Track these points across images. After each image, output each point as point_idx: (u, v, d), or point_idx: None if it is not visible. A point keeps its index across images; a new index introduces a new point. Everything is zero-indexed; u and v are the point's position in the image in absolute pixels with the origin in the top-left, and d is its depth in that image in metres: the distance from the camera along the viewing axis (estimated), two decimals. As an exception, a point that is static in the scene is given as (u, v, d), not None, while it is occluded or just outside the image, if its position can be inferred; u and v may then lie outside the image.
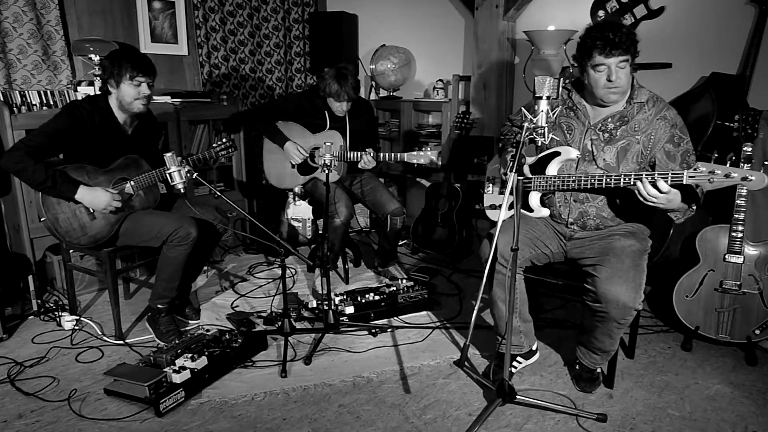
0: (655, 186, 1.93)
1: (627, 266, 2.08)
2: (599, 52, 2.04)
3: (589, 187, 2.13)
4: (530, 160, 2.29)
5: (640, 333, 2.75)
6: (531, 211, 2.32)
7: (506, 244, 2.20)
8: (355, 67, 4.69)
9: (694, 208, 2.09)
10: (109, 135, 2.62)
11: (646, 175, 1.95)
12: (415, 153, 3.25)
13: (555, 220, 2.37)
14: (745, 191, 2.52)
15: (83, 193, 2.52)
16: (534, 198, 2.30)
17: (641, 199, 1.99)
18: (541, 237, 2.34)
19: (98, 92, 3.21)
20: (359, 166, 3.33)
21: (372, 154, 3.29)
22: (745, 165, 1.78)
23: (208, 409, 2.21)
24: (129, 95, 2.58)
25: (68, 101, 3.37)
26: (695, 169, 1.84)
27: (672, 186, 1.93)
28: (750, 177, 1.75)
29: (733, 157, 1.79)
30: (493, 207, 2.53)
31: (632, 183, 2.01)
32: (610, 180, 2.06)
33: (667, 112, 2.16)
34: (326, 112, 3.44)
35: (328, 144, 2.71)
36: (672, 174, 1.91)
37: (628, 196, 2.14)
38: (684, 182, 1.88)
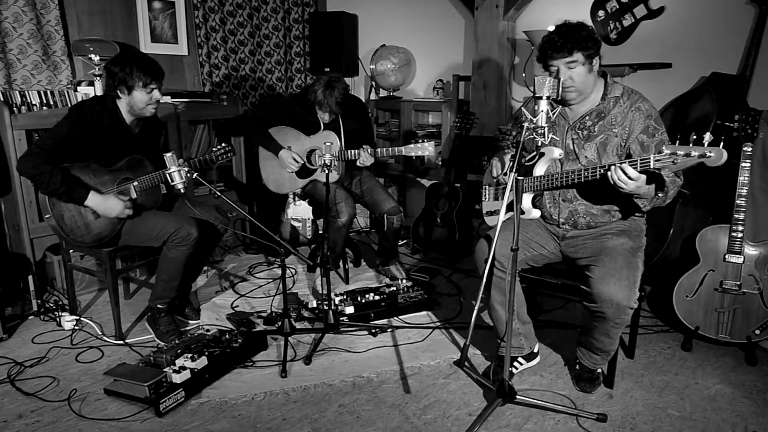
0: (625, 173, 1.94)
1: (620, 265, 2.08)
2: (547, 55, 2.15)
3: (571, 183, 2.15)
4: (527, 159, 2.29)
5: (640, 333, 2.75)
6: (522, 213, 2.31)
7: (501, 246, 2.21)
8: (355, 66, 4.70)
9: (660, 195, 2.09)
10: (116, 135, 2.63)
11: (619, 163, 1.96)
12: (412, 146, 3.26)
13: (547, 222, 2.38)
14: (745, 191, 2.52)
15: (95, 201, 2.52)
16: (525, 199, 2.31)
17: (616, 187, 1.99)
18: (535, 238, 2.35)
19: (102, 93, 3.21)
20: (358, 164, 3.33)
21: (369, 151, 3.30)
22: (706, 143, 1.78)
23: (208, 409, 2.22)
24: (142, 101, 2.59)
25: (69, 101, 3.38)
26: (660, 152, 1.85)
27: (642, 171, 1.93)
28: (708, 153, 1.76)
29: (694, 136, 1.78)
30: (490, 213, 2.53)
31: (606, 172, 2.02)
32: (587, 173, 2.08)
33: (642, 104, 2.18)
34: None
35: (328, 144, 2.71)
36: (640, 160, 1.92)
37: (610, 189, 2.13)
38: (651, 166, 1.89)
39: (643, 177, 1.95)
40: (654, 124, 2.16)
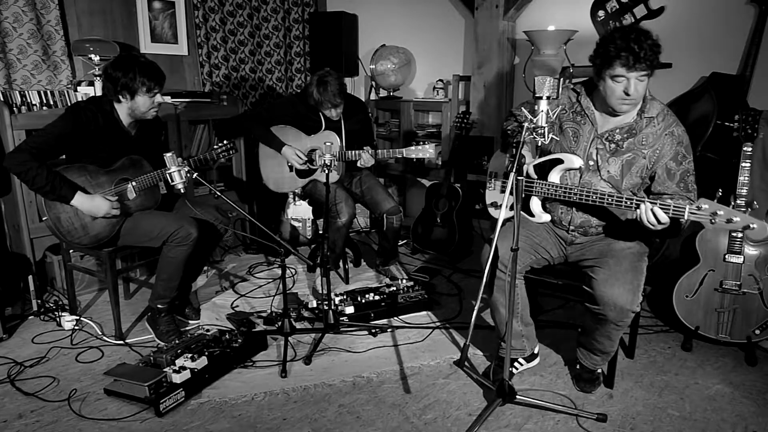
0: (655, 216, 1.90)
1: (625, 268, 2.07)
2: (622, 64, 1.94)
3: (590, 203, 2.09)
4: (531, 161, 2.27)
5: (640, 333, 2.75)
6: (532, 215, 2.27)
7: (506, 249, 2.19)
8: (355, 67, 4.70)
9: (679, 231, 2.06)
10: (112, 136, 2.62)
11: (650, 203, 1.91)
12: (413, 148, 3.29)
13: (556, 225, 2.35)
14: (745, 191, 2.52)
15: (81, 200, 2.51)
16: (536, 203, 2.27)
17: (639, 220, 1.96)
18: (541, 243, 2.33)
19: (100, 94, 3.20)
20: (359, 165, 3.34)
21: (370, 152, 3.30)
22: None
23: (208, 409, 2.22)
24: (144, 106, 2.59)
25: (69, 101, 3.38)
26: (699, 208, 1.79)
27: (671, 217, 1.90)
28: (752, 225, 1.67)
29: (720, 193, 1.72)
30: (494, 205, 2.51)
31: (634, 207, 1.97)
32: (612, 200, 2.01)
33: (676, 128, 2.11)
34: (320, 113, 3.43)
35: (328, 144, 2.71)
36: (674, 207, 1.86)
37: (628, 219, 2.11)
38: (684, 218, 1.84)
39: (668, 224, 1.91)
40: (684, 151, 2.10)
